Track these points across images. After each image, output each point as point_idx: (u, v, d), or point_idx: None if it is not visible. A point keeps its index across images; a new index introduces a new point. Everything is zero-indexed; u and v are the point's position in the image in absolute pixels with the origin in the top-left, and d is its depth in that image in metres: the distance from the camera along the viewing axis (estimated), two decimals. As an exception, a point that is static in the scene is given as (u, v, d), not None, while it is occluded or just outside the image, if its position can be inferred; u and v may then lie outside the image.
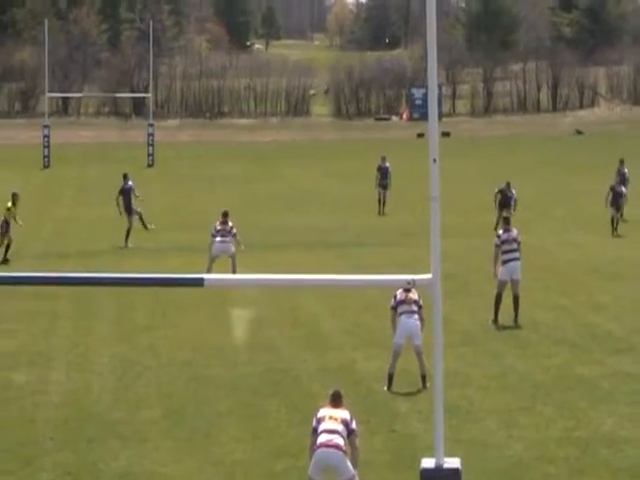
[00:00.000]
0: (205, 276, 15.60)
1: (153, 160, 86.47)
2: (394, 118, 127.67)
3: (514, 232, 36.83)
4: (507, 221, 38.45)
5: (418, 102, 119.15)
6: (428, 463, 13.09)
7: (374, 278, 16.47)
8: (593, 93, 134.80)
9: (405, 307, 29.45)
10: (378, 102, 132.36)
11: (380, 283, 18.94)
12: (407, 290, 29.10)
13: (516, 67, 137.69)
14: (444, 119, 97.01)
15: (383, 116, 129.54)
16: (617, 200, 53.37)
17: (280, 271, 24.48)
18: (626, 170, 57.84)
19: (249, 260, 40.95)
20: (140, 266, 39.19)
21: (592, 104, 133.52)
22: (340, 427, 19.25)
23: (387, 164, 60.85)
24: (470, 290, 36.59)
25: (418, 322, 29.19)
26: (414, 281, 14.19)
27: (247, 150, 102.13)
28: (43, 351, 31.90)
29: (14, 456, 23.94)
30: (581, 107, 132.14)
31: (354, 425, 19.44)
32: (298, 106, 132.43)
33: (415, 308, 29.43)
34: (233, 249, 42.73)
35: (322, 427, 19.32)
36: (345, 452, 19.07)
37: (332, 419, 19.42)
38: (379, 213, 58.76)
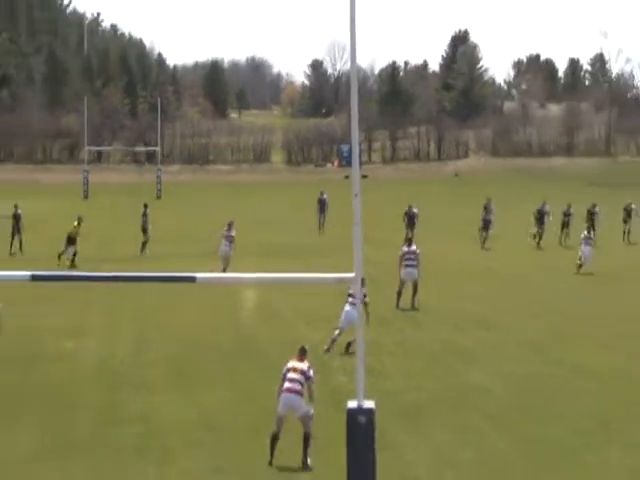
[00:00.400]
0: (197, 275, 15.55)
1: (161, 194, 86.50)
2: (328, 165, 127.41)
3: (413, 247, 37.15)
4: (410, 241, 38.78)
5: (345, 154, 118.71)
6: (352, 404, 13.07)
7: (314, 276, 16.52)
8: (466, 148, 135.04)
9: (349, 299, 28.68)
10: (317, 154, 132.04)
11: (318, 279, 19.01)
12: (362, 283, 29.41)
13: (413, 130, 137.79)
14: (363, 166, 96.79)
15: (321, 163, 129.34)
16: (486, 225, 52.89)
17: (253, 271, 24.52)
18: (492, 206, 55.98)
19: (237, 264, 40.88)
20: (152, 267, 39.06)
21: (465, 156, 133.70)
22: (300, 377, 19.55)
23: (325, 197, 60.85)
24: (383, 286, 36.62)
25: (352, 310, 28.12)
26: (342, 278, 14.20)
27: (226, 187, 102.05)
28: (82, 327, 31.77)
29: (61, 396, 24.29)
30: (458, 158, 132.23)
31: (311, 373, 19.65)
32: (262, 156, 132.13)
33: (353, 300, 28.71)
34: (231, 253, 41.99)
35: (288, 376, 19.66)
36: (302, 395, 19.42)
37: (295, 371, 19.69)
38: (319, 231, 58.78)
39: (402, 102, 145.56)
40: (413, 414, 22.98)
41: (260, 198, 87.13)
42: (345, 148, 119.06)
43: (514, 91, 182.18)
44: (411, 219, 54.87)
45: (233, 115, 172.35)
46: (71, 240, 45.19)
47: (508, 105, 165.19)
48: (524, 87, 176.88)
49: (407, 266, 36.34)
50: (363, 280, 30.18)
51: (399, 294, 35.79)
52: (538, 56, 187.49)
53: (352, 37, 12.96)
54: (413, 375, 26.64)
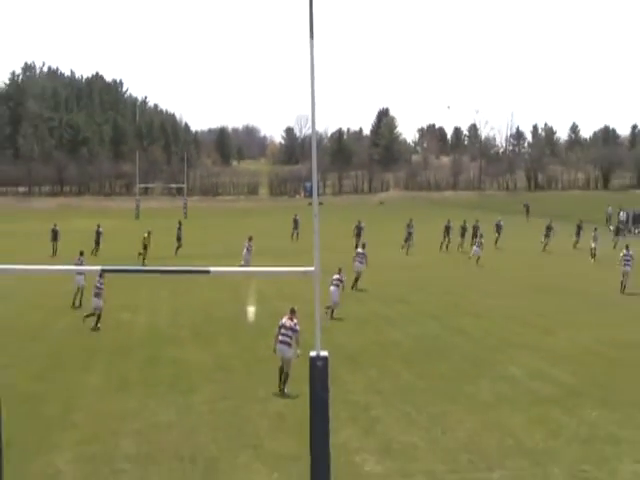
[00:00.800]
0: (211, 268, 15.28)
1: (186, 215, 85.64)
2: (297, 196, 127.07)
3: (360, 250, 37.32)
4: (363, 245, 38.52)
5: (308, 188, 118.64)
6: (313, 353, 12.91)
7: (285, 269, 16.34)
8: (387, 185, 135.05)
9: (333, 281, 29.62)
10: (290, 188, 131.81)
11: (288, 272, 18.79)
12: (339, 271, 30.30)
13: (352, 173, 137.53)
14: (320, 196, 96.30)
15: (292, 195, 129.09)
16: (409, 237, 51.25)
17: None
18: (413, 223, 53.51)
19: (239, 261, 40.62)
20: (182, 264, 38.85)
21: (387, 190, 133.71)
22: (289, 332, 19.47)
23: (297, 217, 60.47)
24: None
25: (335, 290, 29.49)
26: (306, 271, 14.02)
27: (229, 211, 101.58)
28: (134, 304, 31.45)
29: (120, 350, 24.19)
30: (382, 191, 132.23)
31: (297, 328, 19.47)
32: (253, 190, 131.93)
33: (337, 282, 29.71)
34: (249, 257, 40.98)
35: (281, 331, 19.53)
36: (290, 345, 19.38)
37: (286, 328, 19.55)
38: (293, 240, 58.29)
39: (345, 155, 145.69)
40: (353, 359, 22.94)
41: (252, 218, 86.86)
42: (308, 184, 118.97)
43: (418, 148, 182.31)
44: (359, 231, 53.06)
45: (234, 163, 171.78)
46: (145, 246, 44.98)
47: (415, 157, 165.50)
48: (425, 145, 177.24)
49: (357, 262, 36.51)
50: (340, 269, 30.79)
51: (356, 280, 35.61)
52: (434, 125, 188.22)
53: (312, 112, 12.86)
54: (354, 333, 26.61)
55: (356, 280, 35.73)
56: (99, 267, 15.28)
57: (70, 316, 29.71)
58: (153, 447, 16.02)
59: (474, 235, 50.66)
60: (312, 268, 13.35)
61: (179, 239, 50.35)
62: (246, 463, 15.23)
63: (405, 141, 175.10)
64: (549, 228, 52.11)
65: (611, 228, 64.55)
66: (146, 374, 21.65)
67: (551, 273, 41.58)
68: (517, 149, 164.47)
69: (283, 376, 19.62)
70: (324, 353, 13.03)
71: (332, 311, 29.26)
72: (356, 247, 47.06)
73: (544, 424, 17.28)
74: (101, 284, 27.31)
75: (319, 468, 12.82)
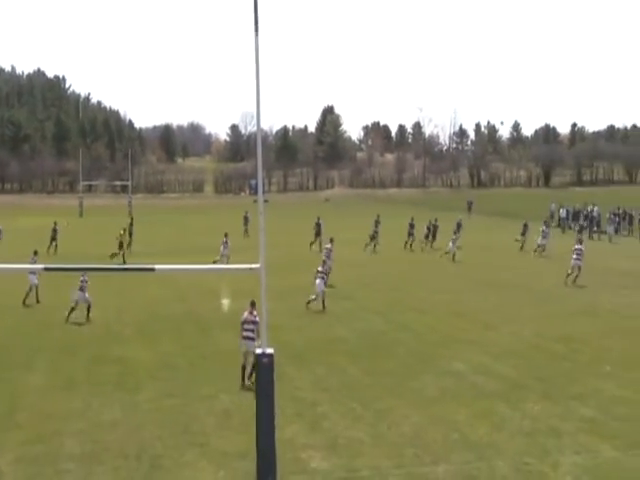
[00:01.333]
0: (156, 266, 15.14)
1: (131, 213, 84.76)
2: (242, 193, 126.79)
3: (329, 246, 37.94)
4: (331, 240, 38.74)
5: (253, 186, 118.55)
6: (259, 351, 12.92)
7: (231, 266, 16.27)
8: (332, 182, 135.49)
9: (318, 274, 30.28)
10: (235, 186, 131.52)
11: (234, 270, 18.73)
12: (324, 260, 31.62)
13: (298, 170, 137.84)
14: (265, 194, 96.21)
15: (237, 192, 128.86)
16: (375, 235, 49.78)
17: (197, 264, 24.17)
18: (379, 221, 52.67)
19: (184, 259, 40.14)
20: (132, 261, 38.53)
21: (332, 187, 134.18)
22: (251, 326, 19.62)
23: (248, 215, 59.95)
24: (283, 271, 36.46)
25: (320, 282, 30.12)
26: (251, 268, 13.98)
27: (174, 209, 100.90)
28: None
29: (64, 348, 24.18)
30: (327, 188, 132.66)
31: (257, 319, 19.40)
32: (198, 188, 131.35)
33: (322, 274, 30.43)
34: (227, 252, 41.45)
35: (244, 327, 19.74)
36: (253, 339, 19.41)
37: (248, 322, 19.74)
38: (243, 237, 57.73)
39: (290, 152, 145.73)
40: (299, 356, 22.92)
41: (197, 216, 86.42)
42: (253, 182, 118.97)
43: (363, 145, 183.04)
44: (319, 228, 50.86)
45: (179, 160, 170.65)
46: (121, 244, 44.63)
47: (359, 154, 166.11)
48: (370, 143, 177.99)
49: (326, 258, 36.35)
50: (324, 261, 31.66)
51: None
52: (378, 122, 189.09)
53: (257, 109, 12.83)
54: (300, 330, 26.57)
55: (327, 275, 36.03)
56: (41, 266, 15.06)
57: (18, 314, 29.30)
58: (98, 446, 15.83)
59: (434, 235, 50.47)
60: (257, 265, 13.32)
61: (130, 235, 50.11)
62: (192, 461, 15.12)
63: (350, 138, 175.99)
64: (526, 226, 51.39)
65: (552, 225, 65.59)
66: (91, 373, 21.39)
67: (496, 269, 42.01)
68: (460, 147, 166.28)
69: (249, 369, 19.53)
70: (270, 350, 13.03)
71: (322, 301, 29.91)
72: (311, 244, 47.35)
73: (488, 418, 17.46)
74: (84, 279, 27.72)
75: (265, 465, 12.80)
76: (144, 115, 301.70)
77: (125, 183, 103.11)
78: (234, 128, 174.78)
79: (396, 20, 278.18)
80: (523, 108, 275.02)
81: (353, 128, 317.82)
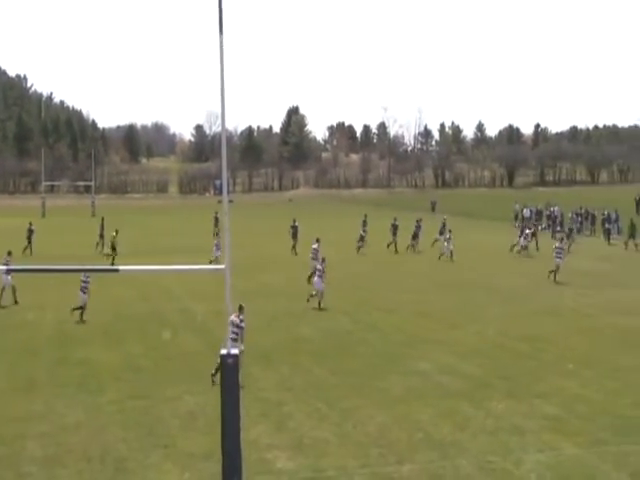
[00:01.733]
0: (120, 267, 15.02)
1: (94, 213, 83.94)
2: (207, 194, 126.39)
3: (315, 246, 37.61)
4: (317, 240, 37.97)
5: (218, 186, 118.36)
6: (223, 351, 12.86)
7: (195, 267, 16.15)
8: (297, 182, 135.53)
9: (317, 273, 30.86)
10: (200, 186, 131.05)
11: (199, 270, 18.60)
12: (323, 258, 31.83)
13: (263, 170, 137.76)
14: (230, 194, 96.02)
15: (202, 192, 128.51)
16: (362, 237, 49.12)
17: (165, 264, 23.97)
18: (367, 222, 52.27)
19: (148, 259, 39.90)
20: (93, 262, 38.29)
21: (297, 187, 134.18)
22: (236, 329, 19.55)
23: (219, 215, 58.96)
24: (247, 271, 36.40)
25: (319, 280, 30.71)
26: (216, 269, 13.92)
27: (138, 209, 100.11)
28: (41, 303, 30.61)
29: (26, 350, 23.99)
30: (292, 189, 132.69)
31: (242, 325, 19.83)
32: (163, 188, 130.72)
33: (320, 272, 30.77)
34: (220, 253, 40.91)
35: (230, 329, 18.88)
36: (235, 340, 19.13)
37: (234, 325, 19.50)
38: (214, 237, 56.76)
39: (255, 152, 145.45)
40: (265, 356, 22.89)
41: (162, 216, 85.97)
42: (218, 182, 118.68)
43: (328, 146, 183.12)
44: (295, 230, 48.82)
45: (144, 161, 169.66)
46: (113, 246, 44.12)
47: (324, 155, 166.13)
48: (335, 143, 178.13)
49: (312, 259, 36.73)
50: (324, 259, 31.91)
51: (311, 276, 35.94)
52: (343, 123, 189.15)
53: (222, 109, 12.79)
54: (265, 330, 26.50)
55: (312, 274, 35.94)
56: (4, 267, 14.92)
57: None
58: (60, 449, 15.69)
59: (415, 235, 50.09)
60: (222, 266, 13.27)
61: (102, 236, 49.76)
62: (157, 463, 15.04)
63: (315, 139, 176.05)
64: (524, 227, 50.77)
65: (516, 225, 65.96)
66: (53, 374, 21.21)
67: (462, 269, 42.23)
68: (425, 147, 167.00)
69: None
70: (235, 351, 12.99)
71: (318, 302, 30.20)
72: (294, 247, 46.99)
73: (452, 417, 17.56)
74: (86, 280, 27.93)
75: (231, 466, 12.75)
76: (107, 115, 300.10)
77: (88, 183, 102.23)
78: (199, 128, 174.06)
79: (360, 20, 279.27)
80: (487, 109, 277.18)
81: (318, 128, 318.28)
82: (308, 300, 30.62)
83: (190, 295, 33.02)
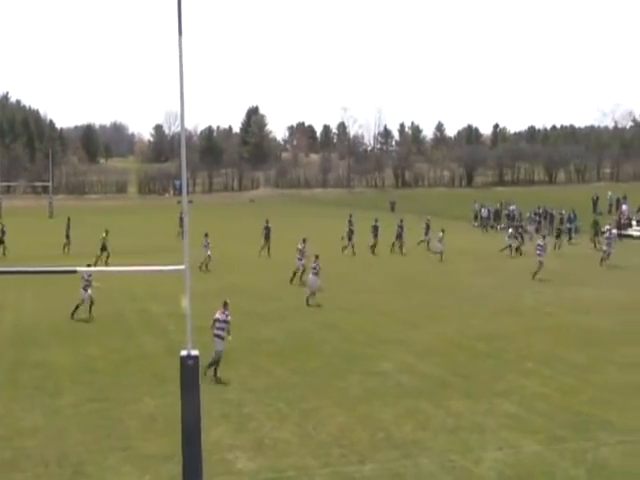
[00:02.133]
0: (77, 268, 14.85)
1: (52, 215, 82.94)
2: (167, 194, 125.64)
3: (301, 246, 36.53)
4: (304, 240, 36.98)
5: (177, 186, 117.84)
6: (184, 352, 12.78)
7: (154, 268, 16.00)
8: (257, 183, 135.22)
9: (312, 271, 31.49)
10: (159, 186, 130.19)
11: (158, 271, 18.44)
12: (316, 258, 31.71)
13: (223, 170, 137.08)
14: (190, 195, 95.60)
15: (162, 193, 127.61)
16: (351, 235, 48.03)
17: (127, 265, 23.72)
18: (353, 220, 51.00)
19: (110, 260, 39.65)
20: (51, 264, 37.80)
21: (257, 188, 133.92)
22: (223, 324, 20.50)
23: (183, 216, 58.17)
24: (212, 273, 36.16)
25: (314, 277, 31.33)
26: (175, 270, 13.80)
27: (96, 210, 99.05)
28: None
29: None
30: (252, 189, 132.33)
31: (228, 318, 20.61)
32: (122, 189, 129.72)
33: (314, 271, 31.36)
34: (209, 253, 40.97)
35: (216, 325, 20.53)
36: (222, 337, 20.40)
37: (219, 321, 20.54)
38: (180, 237, 56.02)
39: (215, 153, 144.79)
40: (225, 357, 22.77)
41: (121, 217, 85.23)
42: (178, 182, 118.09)
43: (288, 146, 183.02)
44: (268, 232, 47.50)
45: (102, 161, 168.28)
46: (104, 246, 43.52)
47: (285, 155, 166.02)
48: (295, 143, 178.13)
49: (299, 259, 36.43)
50: (317, 256, 31.77)
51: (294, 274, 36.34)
52: (303, 122, 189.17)
53: (181, 108, 12.72)
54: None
55: (294, 274, 36.46)
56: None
57: None
58: (18, 453, 15.51)
59: (398, 236, 49.83)
60: (182, 266, 13.19)
61: (68, 237, 49.37)
62: (116, 465, 14.94)
63: (275, 139, 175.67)
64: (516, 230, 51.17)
65: (475, 224, 66.56)
66: (10, 377, 20.99)
67: (422, 268, 42.44)
68: (385, 147, 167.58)
69: (212, 364, 20.56)
70: (195, 352, 12.92)
71: (308, 298, 31.04)
72: (265, 248, 46.66)
73: (413, 416, 17.67)
74: (89, 278, 28.27)
75: (191, 467, 12.70)
76: (65, 115, 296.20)
77: (45, 184, 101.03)
78: (158, 128, 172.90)
79: (319, 20, 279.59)
80: (446, 109, 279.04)
81: (278, 128, 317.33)
82: (307, 301, 31.17)
83: (150, 296, 32.81)
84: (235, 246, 50.87)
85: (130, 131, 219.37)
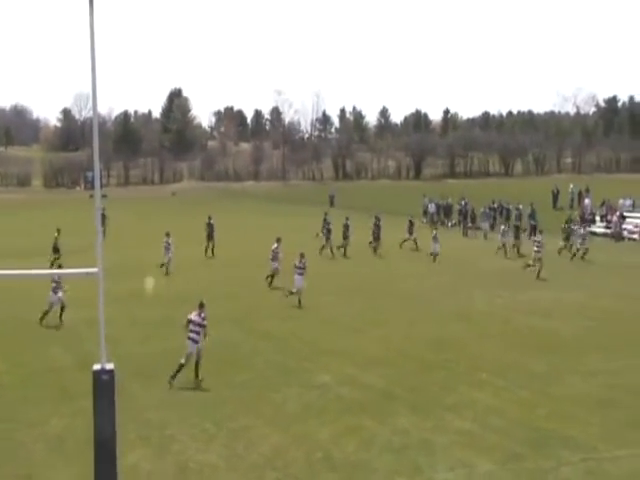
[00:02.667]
0: None
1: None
2: (77, 188, 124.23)
3: (275, 245, 36.83)
4: (278, 240, 37.02)
5: (90, 179, 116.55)
6: (97, 367, 12.70)
7: (66, 271, 15.87)
8: (180, 175, 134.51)
9: (297, 270, 32.38)
10: (68, 179, 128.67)
11: (70, 274, 18.26)
12: (301, 257, 32.48)
13: (141, 161, 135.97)
14: (104, 188, 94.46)
15: (71, 186, 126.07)
16: (328, 234, 47.56)
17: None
18: (328, 217, 51.03)
19: (13, 262, 39.01)
20: None
21: (180, 180, 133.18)
22: (197, 328, 21.55)
23: (105, 212, 56.38)
24: (128, 276, 35.70)
25: (299, 277, 32.41)
26: (88, 272, 13.69)
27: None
28: None
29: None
30: (175, 182, 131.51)
31: (205, 322, 21.69)
32: (25, 181, 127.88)
33: (299, 270, 32.32)
34: (171, 255, 40.97)
35: (190, 327, 21.58)
36: (196, 341, 21.44)
37: (193, 324, 21.57)
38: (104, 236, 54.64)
39: (133, 141, 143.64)
40: (144, 371, 22.68)
41: (24, 213, 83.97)
42: (89, 174, 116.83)
43: (215, 133, 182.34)
44: (211, 230, 47.18)
45: (1, 149, 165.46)
46: (55, 248, 43.18)
47: (211, 143, 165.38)
48: (222, 130, 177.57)
49: (272, 260, 36.84)
50: (303, 254, 32.59)
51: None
52: (232, 107, 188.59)
53: (93, 90, 12.62)
54: (145, 341, 26.30)
55: (272, 277, 36.84)
56: None
57: None
58: None
59: (376, 236, 49.65)
60: (95, 269, 13.09)
61: None
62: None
63: (200, 125, 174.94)
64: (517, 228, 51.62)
65: (424, 221, 66.98)
66: None
67: (363, 270, 42.64)
68: (324, 135, 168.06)
69: (196, 365, 21.53)
70: (109, 366, 12.85)
71: (299, 300, 32.11)
72: (206, 250, 46.34)
73: (355, 434, 17.77)
74: (57, 280, 28.95)
75: (105, 496, 12.61)
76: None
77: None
78: (66, 112, 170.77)
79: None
80: (391, 93, 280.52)
81: (203, 114, 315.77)
82: (287, 296, 32.43)
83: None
84: (149, 246, 50.46)
85: (34, 115, 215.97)
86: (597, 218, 63.92)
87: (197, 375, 21.64)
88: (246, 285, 37.68)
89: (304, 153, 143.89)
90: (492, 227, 59.72)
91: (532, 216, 58.11)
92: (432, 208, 69.10)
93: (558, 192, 77.78)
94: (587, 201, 68.02)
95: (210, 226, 47.96)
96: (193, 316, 21.73)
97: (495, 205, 64.94)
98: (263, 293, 35.63)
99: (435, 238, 45.70)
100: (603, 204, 65.68)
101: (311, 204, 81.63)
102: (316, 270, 42.01)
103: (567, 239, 49.83)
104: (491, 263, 43.75)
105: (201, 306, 22.01)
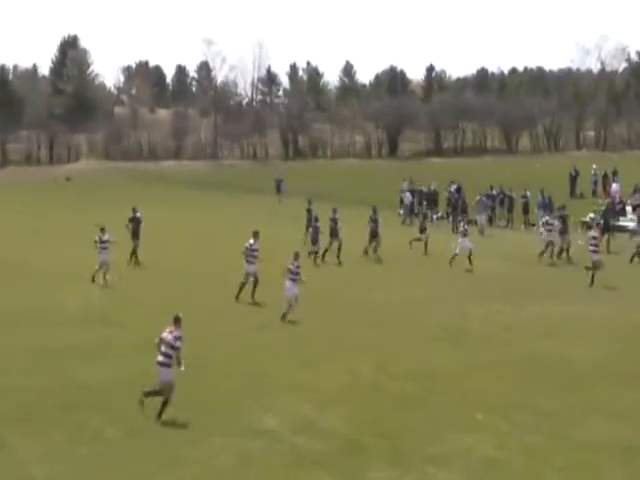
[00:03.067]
0: None
1: None
2: None
3: (251, 242, 36.71)
4: (255, 234, 37.07)
5: None
6: None
7: None
8: (77, 152, 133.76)
9: (289, 275, 32.97)
10: None
11: None
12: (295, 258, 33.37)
13: (24, 133, 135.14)
14: None
15: None
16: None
17: None
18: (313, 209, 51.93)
19: None
20: None
21: (77, 160, 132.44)
22: (168, 350, 21.93)
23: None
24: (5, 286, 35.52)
25: (291, 284, 32.87)
26: None
27: None
28: None
29: None
30: (69, 162, 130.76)
31: (178, 344, 21.97)
32: None
33: (293, 276, 32.86)
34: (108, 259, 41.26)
35: (160, 349, 22.07)
36: (166, 364, 21.92)
37: (164, 343, 22.04)
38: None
39: (12, 106, 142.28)
40: (27, 415, 22.46)
41: None
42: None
43: (124, 96, 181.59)
44: (137, 224, 46.81)
45: None
46: None
47: (118, 110, 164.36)
48: (134, 92, 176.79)
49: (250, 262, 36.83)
50: (297, 255, 33.47)
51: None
52: (147, 62, 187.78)
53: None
54: (27, 373, 26.01)
55: (243, 286, 36.83)
56: None
57: None
58: None
59: (374, 233, 49.29)
60: None
61: None
62: None
63: (104, 86, 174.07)
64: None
65: (400, 212, 66.92)
66: None
67: (320, 276, 42.68)
68: (268, 99, 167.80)
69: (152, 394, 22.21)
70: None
71: (284, 312, 32.82)
72: (132, 255, 46.27)
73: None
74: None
75: None
76: None
77: None
78: None
79: None
80: (358, 43, 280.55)
81: (108, 70, 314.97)
82: (284, 317, 32.87)
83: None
84: (39, 246, 50.17)
85: None
86: (628, 209, 63.22)
87: (160, 415, 21.95)
88: (187, 299, 37.30)
89: (242, 124, 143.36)
90: (491, 221, 59.88)
91: (546, 206, 57.36)
92: (407, 197, 67.64)
93: (577, 174, 77.82)
94: (615, 186, 67.96)
95: (136, 221, 47.16)
96: (165, 334, 22.19)
97: (494, 192, 64.75)
98: (211, 309, 35.22)
99: (466, 232, 45.67)
100: (635, 191, 65.79)
101: (252, 191, 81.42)
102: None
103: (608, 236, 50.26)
104: (489, 266, 43.85)
105: (176, 321, 22.40)
